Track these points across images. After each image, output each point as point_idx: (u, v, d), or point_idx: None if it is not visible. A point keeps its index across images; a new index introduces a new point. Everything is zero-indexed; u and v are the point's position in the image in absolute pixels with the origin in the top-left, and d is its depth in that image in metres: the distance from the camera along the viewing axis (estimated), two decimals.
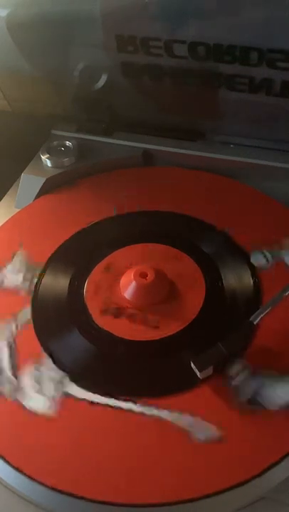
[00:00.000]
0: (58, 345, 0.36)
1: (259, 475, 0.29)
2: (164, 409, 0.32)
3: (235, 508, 0.29)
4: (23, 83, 0.50)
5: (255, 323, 0.34)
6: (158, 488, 0.29)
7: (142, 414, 0.32)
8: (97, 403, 0.33)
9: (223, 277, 0.39)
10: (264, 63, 0.42)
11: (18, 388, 0.34)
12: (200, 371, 0.32)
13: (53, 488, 0.29)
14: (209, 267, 0.39)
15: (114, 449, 0.31)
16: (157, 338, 0.35)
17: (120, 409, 0.32)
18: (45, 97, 0.52)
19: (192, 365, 0.32)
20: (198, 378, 0.33)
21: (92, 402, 0.33)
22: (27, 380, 0.34)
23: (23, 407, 0.33)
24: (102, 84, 0.49)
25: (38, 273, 0.40)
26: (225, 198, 0.46)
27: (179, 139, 0.50)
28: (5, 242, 0.43)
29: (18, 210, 0.47)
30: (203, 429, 0.31)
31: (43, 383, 0.34)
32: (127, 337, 0.35)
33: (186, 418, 0.32)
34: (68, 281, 0.39)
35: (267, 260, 0.40)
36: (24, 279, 0.40)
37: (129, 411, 0.32)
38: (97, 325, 0.36)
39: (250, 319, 0.34)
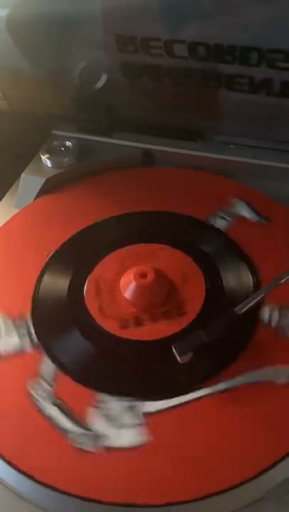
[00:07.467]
0: (58, 346, 0.36)
1: (259, 475, 0.29)
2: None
3: (235, 508, 0.29)
4: (23, 83, 0.50)
5: (239, 313, 0.34)
6: (158, 488, 0.29)
7: (146, 412, 0.32)
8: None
9: (223, 277, 0.39)
10: (264, 63, 0.42)
11: (96, 435, 0.31)
12: (180, 356, 0.33)
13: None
14: (209, 267, 0.39)
15: (115, 449, 0.31)
16: (157, 338, 0.35)
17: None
18: (45, 97, 0.52)
19: (173, 349, 0.33)
20: (199, 378, 0.33)
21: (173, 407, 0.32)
22: (98, 422, 0.32)
23: (113, 449, 0.31)
24: (102, 84, 0.49)
25: (30, 323, 0.37)
26: (224, 198, 0.46)
27: (179, 139, 0.50)
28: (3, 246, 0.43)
29: (18, 210, 0.47)
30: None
31: (118, 416, 0.32)
32: (127, 337, 0.35)
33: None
34: (68, 282, 0.39)
35: (226, 220, 0.43)
36: (19, 336, 0.37)
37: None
38: (97, 325, 0.36)
39: (235, 309, 0.34)
